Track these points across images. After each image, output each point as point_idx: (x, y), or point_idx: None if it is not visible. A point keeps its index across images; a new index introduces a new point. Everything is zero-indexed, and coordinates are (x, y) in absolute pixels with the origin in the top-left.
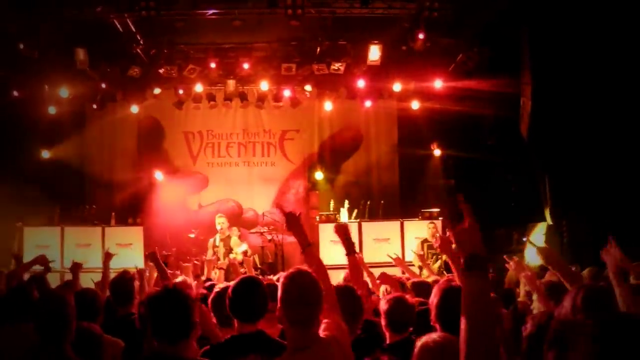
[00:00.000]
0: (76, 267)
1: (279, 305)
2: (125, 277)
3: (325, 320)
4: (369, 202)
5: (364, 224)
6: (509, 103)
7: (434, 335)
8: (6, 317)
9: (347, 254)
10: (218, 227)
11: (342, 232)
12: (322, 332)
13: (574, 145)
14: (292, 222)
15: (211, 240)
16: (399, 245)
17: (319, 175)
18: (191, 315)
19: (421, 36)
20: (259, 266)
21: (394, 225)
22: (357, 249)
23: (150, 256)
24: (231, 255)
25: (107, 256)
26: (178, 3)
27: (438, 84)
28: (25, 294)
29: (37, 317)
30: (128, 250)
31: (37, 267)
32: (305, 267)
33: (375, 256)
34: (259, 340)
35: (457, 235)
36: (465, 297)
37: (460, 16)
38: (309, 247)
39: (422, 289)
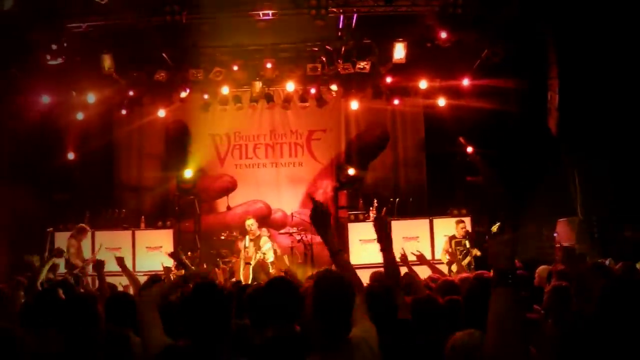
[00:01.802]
0: (99, 266)
1: (310, 305)
2: (155, 280)
3: (355, 321)
4: (397, 200)
5: (392, 223)
6: (536, 98)
7: (462, 333)
8: (32, 322)
9: (381, 249)
10: (248, 229)
11: (382, 226)
12: (353, 333)
13: (603, 139)
14: (319, 218)
15: (241, 243)
16: (429, 243)
17: (351, 171)
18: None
19: (445, 33)
20: (288, 265)
21: (423, 223)
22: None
23: (172, 254)
24: (258, 255)
25: (99, 264)
26: (203, 6)
27: (464, 80)
28: (52, 299)
29: (63, 321)
30: (158, 254)
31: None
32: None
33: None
34: (292, 341)
35: (491, 247)
36: (491, 312)
37: (485, 12)
38: (339, 254)
39: (448, 288)
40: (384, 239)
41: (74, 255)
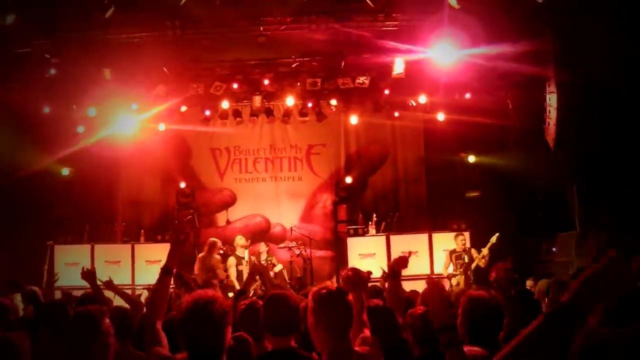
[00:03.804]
0: (88, 276)
1: (309, 321)
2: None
3: (361, 335)
4: (397, 215)
5: (392, 237)
6: (535, 112)
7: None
8: (40, 334)
9: (391, 277)
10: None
11: (402, 263)
12: (358, 347)
13: (601, 153)
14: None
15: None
16: (428, 258)
17: (348, 179)
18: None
19: (445, 47)
20: (287, 280)
21: (422, 237)
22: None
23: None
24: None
25: (89, 274)
26: (203, 22)
27: (463, 95)
28: (60, 312)
29: (68, 335)
30: (157, 267)
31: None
32: (331, 282)
33: (404, 270)
34: (292, 356)
35: (594, 275)
36: (525, 335)
37: (483, 26)
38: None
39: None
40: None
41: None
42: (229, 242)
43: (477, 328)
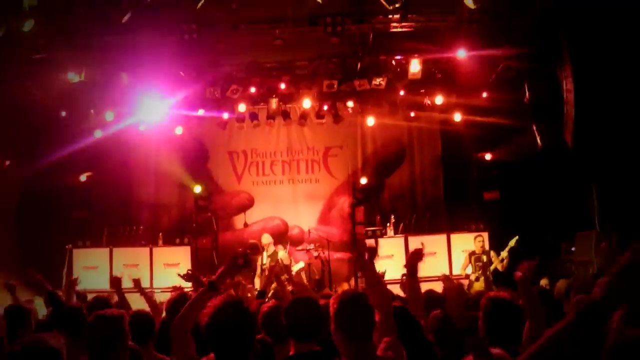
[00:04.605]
0: (116, 283)
1: (332, 323)
2: (184, 298)
3: (385, 339)
4: (414, 216)
5: (410, 238)
6: (553, 111)
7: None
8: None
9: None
10: (264, 244)
11: (416, 257)
12: (382, 351)
13: (620, 152)
14: (362, 262)
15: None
16: (446, 259)
17: (363, 180)
18: (252, 330)
19: (461, 48)
20: (306, 282)
21: (441, 238)
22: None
23: (188, 277)
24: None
25: (117, 281)
26: (219, 25)
27: (480, 95)
28: (79, 315)
29: (88, 338)
30: (175, 270)
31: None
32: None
33: (422, 270)
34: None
35: (623, 270)
36: (553, 334)
37: (500, 26)
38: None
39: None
40: (412, 268)
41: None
42: (246, 244)
43: (498, 329)
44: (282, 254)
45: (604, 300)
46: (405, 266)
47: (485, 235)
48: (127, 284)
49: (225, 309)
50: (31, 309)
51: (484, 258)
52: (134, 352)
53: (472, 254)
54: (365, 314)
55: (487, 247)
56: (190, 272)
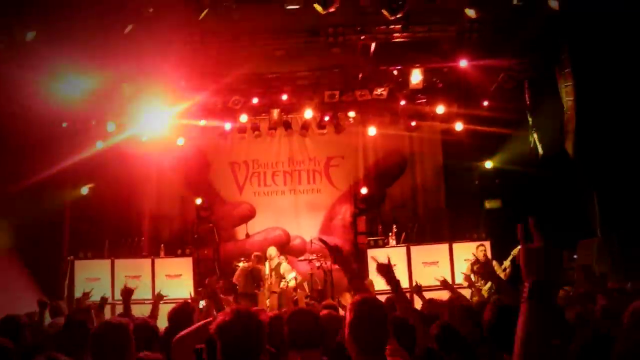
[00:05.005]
0: (127, 294)
1: (347, 332)
2: (186, 308)
3: (389, 347)
4: (416, 226)
5: (412, 248)
6: (553, 120)
7: None
8: (64, 349)
9: (392, 291)
10: (269, 257)
11: (384, 271)
12: (390, 358)
13: (621, 160)
14: (338, 256)
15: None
16: (448, 268)
17: (363, 190)
18: (262, 340)
19: (462, 58)
20: (308, 293)
21: (443, 248)
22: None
23: (209, 294)
24: (282, 283)
25: (128, 292)
26: (221, 36)
27: (481, 104)
28: (83, 326)
29: (95, 347)
30: (178, 281)
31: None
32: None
33: (425, 280)
34: None
35: (524, 257)
36: (522, 326)
37: (501, 36)
38: (356, 280)
39: (471, 313)
40: (391, 282)
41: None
42: (248, 256)
43: (503, 337)
44: (284, 266)
45: (538, 278)
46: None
47: (487, 244)
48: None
49: (235, 318)
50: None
51: (487, 266)
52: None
53: (474, 263)
54: (382, 325)
55: (489, 255)
56: (208, 286)
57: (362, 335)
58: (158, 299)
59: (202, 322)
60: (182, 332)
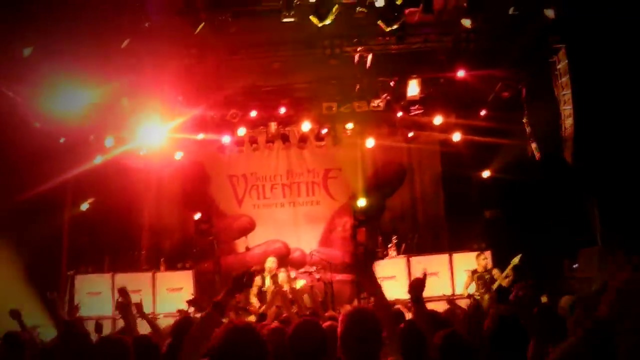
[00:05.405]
0: (123, 308)
1: (339, 343)
2: (188, 322)
3: (389, 359)
4: (416, 236)
5: (412, 259)
6: (551, 128)
7: None
8: None
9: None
10: (268, 268)
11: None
12: None
13: (620, 167)
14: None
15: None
16: (449, 279)
17: (361, 202)
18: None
19: (459, 68)
20: (308, 306)
21: (443, 258)
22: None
23: (192, 302)
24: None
25: (123, 307)
26: (217, 49)
27: (478, 114)
28: (83, 340)
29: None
30: (178, 295)
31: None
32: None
33: (426, 291)
34: None
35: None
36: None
37: (497, 46)
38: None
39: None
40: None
41: None
42: (248, 268)
43: (503, 345)
44: (282, 276)
45: (610, 317)
46: (409, 295)
47: (488, 253)
48: None
49: (236, 334)
50: (31, 336)
51: (487, 276)
52: None
53: (474, 272)
54: (373, 336)
55: (490, 265)
56: (193, 297)
57: (353, 346)
58: (121, 309)
59: (199, 324)
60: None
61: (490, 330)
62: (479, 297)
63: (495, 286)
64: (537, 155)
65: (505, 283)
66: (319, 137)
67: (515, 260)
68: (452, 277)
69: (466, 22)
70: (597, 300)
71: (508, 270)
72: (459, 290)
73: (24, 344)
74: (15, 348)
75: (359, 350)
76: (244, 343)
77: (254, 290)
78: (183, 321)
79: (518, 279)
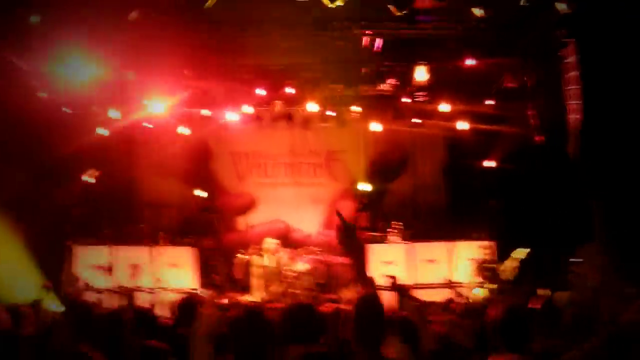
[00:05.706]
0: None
1: (352, 327)
2: (193, 301)
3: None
4: (417, 223)
5: (413, 245)
6: (557, 122)
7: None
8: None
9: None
10: (267, 247)
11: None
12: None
13: (624, 165)
14: (349, 236)
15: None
16: (447, 266)
17: (365, 187)
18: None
19: (468, 57)
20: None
21: (443, 246)
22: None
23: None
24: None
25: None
26: (226, 26)
27: (485, 103)
28: (86, 314)
29: (95, 335)
30: (179, 270)
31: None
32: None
33: (425, 277)
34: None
35: None
36: None
37: (507, 35)
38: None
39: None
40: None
41: None
42: (248, 247)
43: (508, 336)
44: (283, 257)
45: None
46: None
47: (493, 244)
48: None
49: (244, 318)
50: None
51: (490, 267)
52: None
53: (477, 261)
54: (377, 318)
55: (493, 256)
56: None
57: (365, 330)
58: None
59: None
60: None
61: (499, 320)
62: (483, 288)
63: (500, 276)
64: (543, 145)
65: (508, 275)
66: (323, 119)
67: (522, 253)
68: (452, 264)
69: (477, 11)
70: (592, 300)
71: (515, 263)
72: (456, 278)
73: (23, 316)
74: (16, 320)
75: (371, 334)
76: (251, 325)
77: (255, 270)
78: (188, 300)
79: (523, 270)
